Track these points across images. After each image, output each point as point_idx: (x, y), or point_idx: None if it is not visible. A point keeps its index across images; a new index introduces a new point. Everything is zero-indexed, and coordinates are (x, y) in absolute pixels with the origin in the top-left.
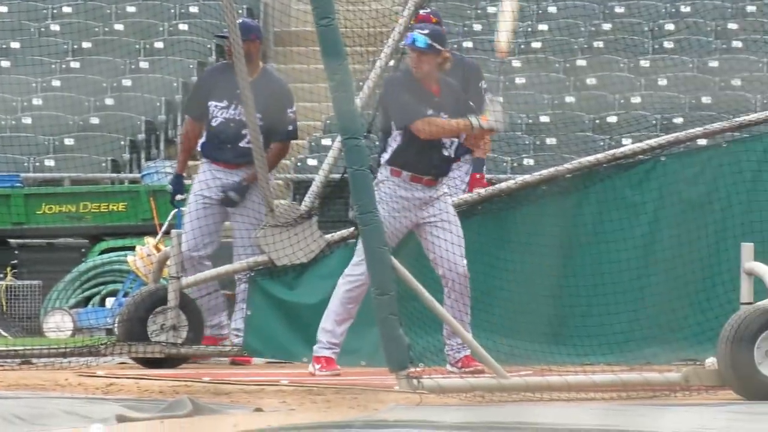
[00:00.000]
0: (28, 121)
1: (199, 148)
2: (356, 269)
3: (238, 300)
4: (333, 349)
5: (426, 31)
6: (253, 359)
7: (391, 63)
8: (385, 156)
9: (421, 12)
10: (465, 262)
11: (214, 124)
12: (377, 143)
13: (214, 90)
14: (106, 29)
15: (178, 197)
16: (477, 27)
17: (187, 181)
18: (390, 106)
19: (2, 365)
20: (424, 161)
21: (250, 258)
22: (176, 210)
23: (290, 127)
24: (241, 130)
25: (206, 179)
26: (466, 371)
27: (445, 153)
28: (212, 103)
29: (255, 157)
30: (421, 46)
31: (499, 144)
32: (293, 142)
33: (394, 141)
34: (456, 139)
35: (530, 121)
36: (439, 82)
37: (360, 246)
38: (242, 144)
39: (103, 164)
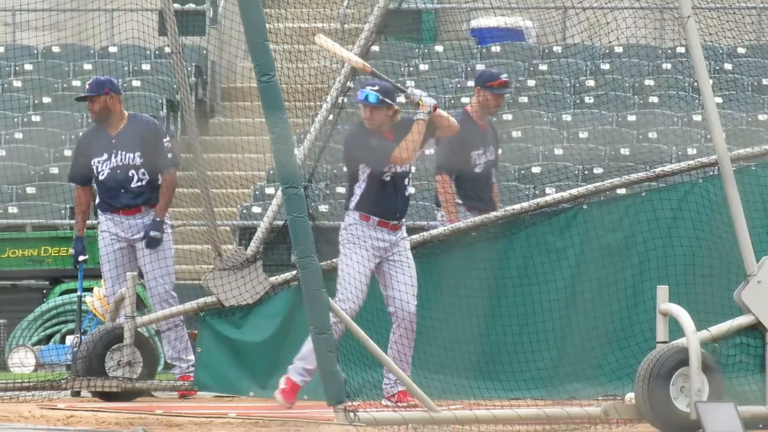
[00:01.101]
0: None
1: (97, 208)
2: (339, 304)
3: (169, 337)
4: (304, 377)
5: (376, 88)
6: (198, 391)
7: (330, 117)
8: (353, 202)
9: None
10: (415, 302)
11: (101, 177)
12: (317, 192)
13: (92, 150)
14: (65, 85)
15: (81, 258)
16: (410, 83)
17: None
18: (359, 156)
19: None
20: (390, 204)
21: (166, 292)
22: (80, 270)
23: (170, 155)
24: (128, 172)
25: (109, 228)
26: (401, 405)
27: (407, 192)
28: (95, 161)
29: (204, 206)
30: (372, 101)
31: (431, 192)
32: (240, 191)
33: (359, 188)
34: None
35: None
36: (391, 130)
37: (338, 284)
38: (134, 185)
39: (63, 211)
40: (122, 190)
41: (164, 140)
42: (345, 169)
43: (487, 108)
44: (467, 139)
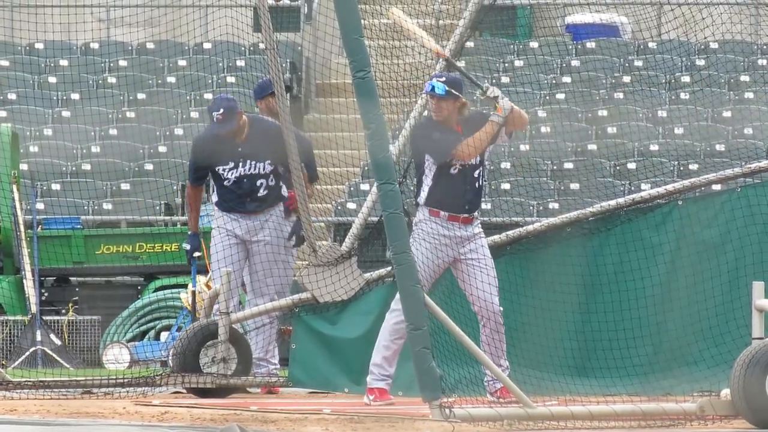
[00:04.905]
0: (87, 167)
1: (215, 205)
2: (398, 304)
3: (261, 333)
4: (386, 380)
5: (443, 79)
6: (279, 389)
7: (425, 113)
8: (422, 197)
9: None
10: (498, 299)
11: (227, 184)
12: (412, 188)
13: (215, 157)
14: (159, 81)
15: (196, 254)
16: (505, 80)
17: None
18: (424, 147)
19: (65, 394)
20: (458, 197)
21: (271, 292)
22: (193, 265)
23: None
24: (257, 182)
25: (226, 226)
26: (503, 401)
27: (477, 185)
28: (219, 168)
29: (298, 202)
30: (439, 93)
31: (526, 189)
32: (335, 187)
33: (427, 182)
34: (483, 167)
35: (555, 167)
36: (460, 123)
37: None
38: (260, 193)
39: (157, 207)
40: (248, 199)
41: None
42: (413, 162)
43: None
44: None
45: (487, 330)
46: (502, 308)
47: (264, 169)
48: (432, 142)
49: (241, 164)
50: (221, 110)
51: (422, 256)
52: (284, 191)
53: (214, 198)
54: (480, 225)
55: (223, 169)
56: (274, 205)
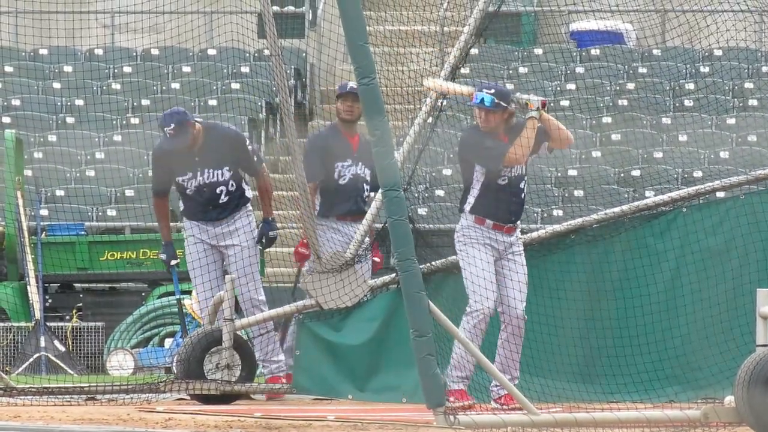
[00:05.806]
0: (91, 173)
1: (182, 215)
2: (475, 305)
3: (260, 342)
4: (465, 381)
5: (492, 91)
6: (284, 395)
7: (429, 120)
8: (468, 205)
9: None
10: (524, 305)
11: (189, 193)
12: (416, 195)
13: (174, 168)
14: (164, 88)
15: (173, 262)
16: (510, 87)
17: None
18: (474, 156)
19: (69, 401)
20: (504, 207)
21: (252, 290)
22: (173, 274)
23: (255, 157)
24: (216, 189)
25: (194, 233)
26: (507, 408)
27: (522, 196)
28: (179, 179)
29: (303, 209)
30: (488, 105)
31: (530, 195)
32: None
33: (474, 192)
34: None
35: (559, 174)
36: (506, 133)
37: (468, 287)
38: (222, 200)
39: None
40: (211, 207)
41: (247, 145)
42: (460, 171)
43: None
44: None
45: (506, 333)
46: (526, 317)
47: (222, 176)
48: (483, 150)
49: (198, 173)
50: (172, 125)
51: (474, 260)
52: (248, 193)
53: (181, 207)
54: (520, 233)
55: (183, 179)
56: (239, 209)
